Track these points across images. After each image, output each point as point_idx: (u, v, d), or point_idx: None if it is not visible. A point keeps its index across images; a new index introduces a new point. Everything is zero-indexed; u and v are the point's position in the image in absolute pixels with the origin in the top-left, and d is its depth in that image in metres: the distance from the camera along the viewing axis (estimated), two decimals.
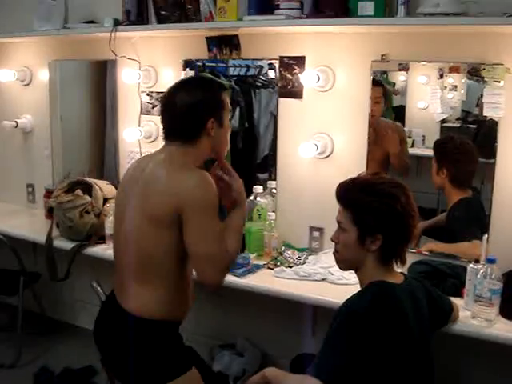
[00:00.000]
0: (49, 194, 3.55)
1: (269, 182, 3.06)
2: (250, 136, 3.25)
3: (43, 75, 3.75)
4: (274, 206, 3.03)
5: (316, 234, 2.97)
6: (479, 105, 2.61)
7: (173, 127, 2.07)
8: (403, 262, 1.94)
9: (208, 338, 3.34)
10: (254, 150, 3.24)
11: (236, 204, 2.11)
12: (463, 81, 2.67)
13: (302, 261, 2.85)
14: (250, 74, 3.12)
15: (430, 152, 2.79)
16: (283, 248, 2.94)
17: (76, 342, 3.63)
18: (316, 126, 2.87)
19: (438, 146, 2.83)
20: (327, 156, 2.85)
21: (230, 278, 2.64)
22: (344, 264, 1.99)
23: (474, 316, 2.27)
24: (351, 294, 1.89)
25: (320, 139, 2.84)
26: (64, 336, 3.81)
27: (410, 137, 2.91)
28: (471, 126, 2.76)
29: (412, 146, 2.91)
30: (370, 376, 1.74)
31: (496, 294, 2.25)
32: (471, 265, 2.35)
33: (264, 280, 2.68)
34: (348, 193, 1.92)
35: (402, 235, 1.88)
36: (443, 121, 2.79)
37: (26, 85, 3.83)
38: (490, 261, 2.25)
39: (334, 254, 2.01)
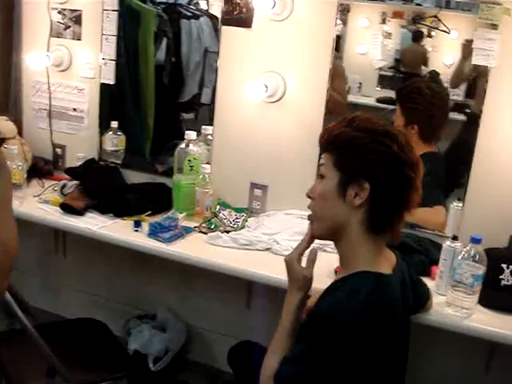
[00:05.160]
0: None
1: (203, 127, 2.54)
2: (177, 72, 2.83)
3: None
4: (208, 156, 2.53)
5: (258, 192, 2.50)
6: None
7: None
8: (397, 237, 1.46)
9: (124, 306, 2.86)
10: (180, 87, 2.81)
11: None
12: (398, 29, 2.51)
13: (240, 224, 2.39)
14: (180, 1, 2.75)
15: (365, 100, 2.57)
16: (218, 207, 2.46)
17: None
18: (266, 63, 2.36)
19: (405, 97, 2.43)
20: (278, 100, 2.36)
21: (155, 244, 2.17)
22: (320, 227, 1.47)
23: (449, 304, 1.90)
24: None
25: (270, 79, 2.33)
26: None
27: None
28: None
29: (347, 92, 2.60)
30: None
31: (479, 280, 1.89)
32: (448, 242, 1.97)
33: (196, 248, 2.18)
34: (330, 131, 1.45)
35: (397, 191, 1.39)
36: (379, 69, 2.61)
37: None
38: (475, 240, 1.87)
39: (308, 217, 1.51)
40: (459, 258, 1.88)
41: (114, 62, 2.68)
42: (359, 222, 1.40)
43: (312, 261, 1.50)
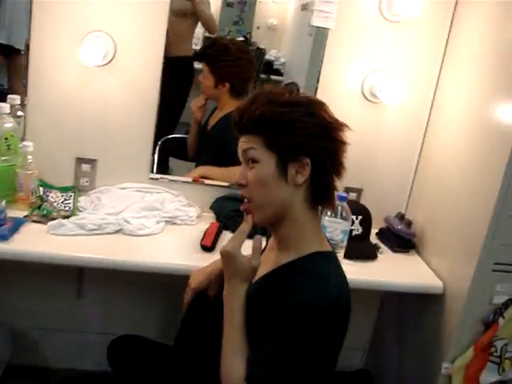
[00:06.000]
0: None
1: (10, 96, 2.14)
2: None
3: None
4: (21, 131, 2.16)
5: (86, 167, 2.23)
6: None
7: None
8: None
9: None
10: None
11: None
12: None
13: (71, 206, 2.10)
14: None
15: None
16: (42, 190, 2.13)
17: None
18: (91, 22, 2.07)
19: (212, 56, 2.41)
20: (106, 63, 2.10)
21: None
22: (262, 214, 1.34)
23: None
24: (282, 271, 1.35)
25: (96, 39, 2.07)
26: None
27: None
28: None
29: None
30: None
31: (347, 234, 1.99)
32: None
33: (38, 241, 1.87)
34: (251, 112, 1.30)
35: (335, 158, 1.33)
36: None
37: None
38: (342, 198, 1.96)
39: (243, 208, 1.37)
40: (327, 216, 1.96)
41: None
42: (303, 200, 1.33)
43: (257, 250, 1.38)
